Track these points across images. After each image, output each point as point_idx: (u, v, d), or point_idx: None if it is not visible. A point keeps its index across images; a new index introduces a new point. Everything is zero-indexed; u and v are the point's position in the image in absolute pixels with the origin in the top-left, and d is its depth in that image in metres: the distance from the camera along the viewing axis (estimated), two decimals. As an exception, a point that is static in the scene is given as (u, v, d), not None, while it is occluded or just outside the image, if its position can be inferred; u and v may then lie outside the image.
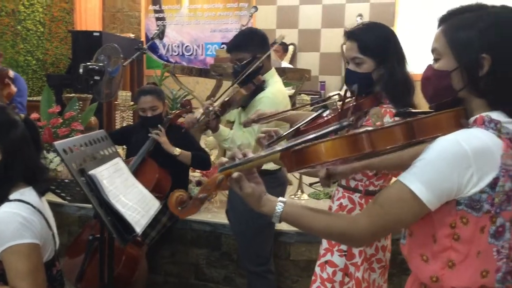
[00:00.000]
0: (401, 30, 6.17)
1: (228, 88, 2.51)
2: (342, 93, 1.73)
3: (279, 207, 1.14)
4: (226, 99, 2.36)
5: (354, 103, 1.69)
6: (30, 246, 1.44)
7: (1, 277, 1.45)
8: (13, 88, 3.05)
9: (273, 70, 2.52)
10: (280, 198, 1.16)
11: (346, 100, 1.72)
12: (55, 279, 1.62)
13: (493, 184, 1.01)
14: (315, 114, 1.68)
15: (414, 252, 1.13)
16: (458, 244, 1.05)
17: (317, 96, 6.26)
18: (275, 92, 2.42)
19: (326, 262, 1.80)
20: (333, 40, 6.66)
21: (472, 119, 1.08)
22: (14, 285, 1.41)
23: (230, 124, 2.90)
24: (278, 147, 1.11)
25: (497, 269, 1.06)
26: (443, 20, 1.12)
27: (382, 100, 1.69)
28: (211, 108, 2.26)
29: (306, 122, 1.63)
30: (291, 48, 6.86)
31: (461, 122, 1.06)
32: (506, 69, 1.05)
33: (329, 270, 1.78)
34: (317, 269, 1.84)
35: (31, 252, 1.44)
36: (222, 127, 2.38)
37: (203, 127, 2.40)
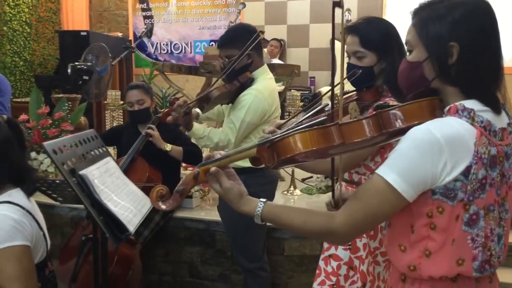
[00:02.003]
0: (389, 24, 6.21)
1: (213, 84, 2.50)
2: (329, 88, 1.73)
3: (259, 206, 1.15)
4: (204, 94, 2.34)
5: (356, 97, 1.70)
6: (21, 249, 1.43)
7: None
8: None
9: (264, 67, 2.50)
10: (260, 199, 1.17)
11: (349, 95, 1.73)
12: (48, 280, 1.61)
13: (466, 172, 1.02)
14: (317, 108, 1.67)
15: (393, 242, 1.14)
16: (435, 233, 1.06)
17: (307, 92, 6.27)
18: (260, 89, 2.39)
19: (330, 256, 1.80)
20: (322, 35, 6.66)
21: (446, 108, 1.09)
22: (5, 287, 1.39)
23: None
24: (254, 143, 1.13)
25: (474, 258, 1.07)
26: (415, 13, 1.14)
27: (384, 93, 1.70)
28: (182, 105, 2.21)
29: (308, 116, 1.63)
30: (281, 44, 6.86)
31: (435, 113, 1.07)
32: (474, 56, 1.06)
33: (334, 263, 1.78)
34: (321, 263, 1.83)
35: (22, 255, 1.43)
36: (196, 125, 2.34)
37: (175, 123, 2.34)
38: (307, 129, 1.05)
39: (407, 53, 1.17)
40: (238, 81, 2.37)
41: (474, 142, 1.02)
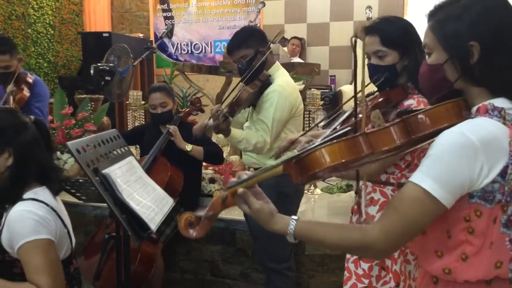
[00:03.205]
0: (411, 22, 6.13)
1: (234, 88, 2.48)
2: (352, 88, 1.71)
3: (292, 224, 1.12)
4: (234, 99, 2.32)
5: (380, 99, 1.68)
6: (46, 242, 1.46)
7: (21, 276, 1.47)
8: (25, 93, 3.05)
9: (277, 64, 2.49)
10: (293, 216, 1.14)
11: (372, 96, 1.71)
12: (73, 277, 1.64)
13: (503, 173, 0.99)
14: (347, 113, 1.65)
15: (427, 249, 1.10)
16: (473, 237, 1.03)
17: (327, 91, 6.23)
18: (283, 85, 2.38)
19: (360, 258, 1.77)
20: (342, 33, 6.61)
21: (474, 108, 1.06)
22: (33, 280, 1.43)
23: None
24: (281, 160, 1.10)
25: (511, 259, 1.04)
26: (431, 15, 1.12)
27: (409, 90, 1.68)
28: (219, 112, 2.23)
29: (340, 123, 1.61)
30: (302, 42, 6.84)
31: (462, 114, 1.05)
32: (496, 53, 1.03)
33: (364, 265, 1.76)
34: (351, 266, 1.80)
35: (47, 248, 1.46)
36: (234, 129, 2.35)
37: (215, 131, 2.37)
38: (333, 141, 1.01)
39: (427, 56, 1.14)
40: (259, 80, 2.36)
41: (508, 142, 0.99)
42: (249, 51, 2.36)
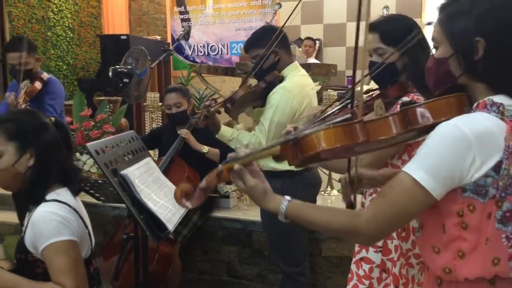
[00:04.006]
0: (428, 21, 6.06)
1: (240, 85, 2.44)
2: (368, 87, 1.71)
3: (284, 204, 1.14)
4: (228, 99, 2.28)
5: (376, 95, 1.68)
6: (69, 243, 1.48)
7: (44, 275, 1.50)
8: (37, 86, 3.14)
9: (294, 64, 2.42)
10: (286, 196, 1.16)
11: (372, 92, 1.70)
12: (92, 277, 1.66)
13: (497, 168, 0.99)
14: (339, 106, 1.67)
15: (426, 244, 1.11)
16: (467, 232, 1.03)
17: (344, 91, 6.20)
18: (288, 87, 2.30)
19: (362, 259, 1.77)
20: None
21: (475, 104, 1.06)
22: (57, 280, 1.45)
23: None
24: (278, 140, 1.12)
25: (510, 257, 1.03)
26: (441, 10, 1.12)
27: (408, 88, 1.67)
28: (207, 105, 2.21)
29: (329, 114, 1.62)
30: (316, 43, 6.82)
31: (464, 109, 1.05)
32: (501, 51, 1.03)
33: (365, 267, 1.75)
34: (353, 267, 1.81)
35: (70, 249, 1.48)
36: (224, 127, 2.32)
37: (199, 125, 2.33)
38: (330, 126, 1.04)
39: (433, 50, 1.15)
40: (264, 81, 2.32)
41: (504, 137, 0.99)
42: (261, 51, 2.31)
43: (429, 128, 1.04)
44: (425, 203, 1.02)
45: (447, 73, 1.09)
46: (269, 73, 2.33)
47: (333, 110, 1.65)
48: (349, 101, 1.60)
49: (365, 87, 1.83)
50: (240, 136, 2.31)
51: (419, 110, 1.05)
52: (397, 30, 1.66)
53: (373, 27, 1.69)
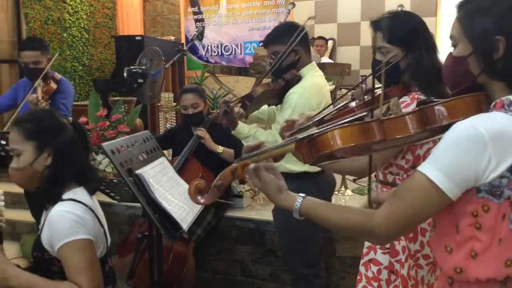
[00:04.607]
0: (444, 20, 5.99)
1: (259, 83, 2.41)
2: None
3: (298, 201, 1.14)
4: (246, 95, 2.28)
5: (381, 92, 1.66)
6: (85, 242, 1.50)
7: (60, 273, 1.52)
8: (52, 86, 3.21)
9: (312, 64, 2.41)
10: (300, 194, 1.16)
11: (375, 91, 1.70)
12: (108, 275, 1.68)
13: None
14: (341, 104, 1.66)
15: (439, 243, 1.10)
16: (481, 233, 1.01)
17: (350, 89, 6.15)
18: (307, 87, 2.30)
19: (370, 260, 1.76)
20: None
21: (492, 103, 1.05)
22: (72, 279, 1.47)
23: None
24: (294, 137, 1.11)
25: None
26: (460, 7, 1.11)
27: (411, 88, 1.65)
28: (223, 105, 2.21)
29: (331, 112, 1.61)
30: (330, 42, 6.79)
31: (481, 108, 1.03)
32: None
33: (374, 268, 1.74)
34: (362, 268, 1.79)
35: (86, 247, 1.50)
36: (242, 124, 2.32)
37: (217, 120, 2.33)
38: (347, 124, 1.03)
39: (451, 48, 1.13)
40: (283, 79, 2.31)
41: None
42: (281, 47, 2.29)
43: (444, 128, 1.03)
44: (440, 204, 1.01)
45: (466, 72, 1.08)
46: (287, 72, 2.31)
47: (334, 109, 1.64)
48: (346, 102, 1.60)
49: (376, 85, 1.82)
50: (258, 133, 2.32)
51: (437, 109, 1.03)
52: (400, 29, 1.65)
53: (377, 25, 1.68)
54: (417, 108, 1.06)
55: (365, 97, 1.62)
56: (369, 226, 1.06)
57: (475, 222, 1.02)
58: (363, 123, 1.02)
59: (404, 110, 1.12)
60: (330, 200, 2.56)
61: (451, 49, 1.14)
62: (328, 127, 1.05)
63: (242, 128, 2.32)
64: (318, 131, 1.05)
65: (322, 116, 1.56)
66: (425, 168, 1.01)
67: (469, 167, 0.98)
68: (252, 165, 1.15)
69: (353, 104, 1.66)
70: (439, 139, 1.04)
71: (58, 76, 3.33)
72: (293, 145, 1.10)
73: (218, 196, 1.24)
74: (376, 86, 1.77)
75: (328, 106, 2.05)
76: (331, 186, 2.54)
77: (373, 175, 1.43)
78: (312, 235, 2.47)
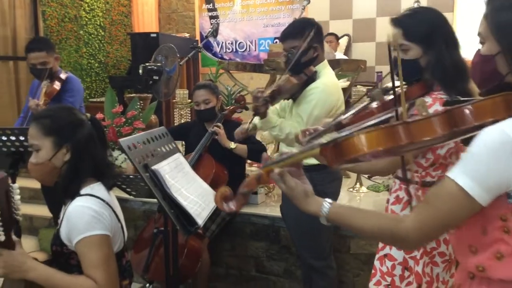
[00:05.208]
0: (460, 16, 5.91)
1: (281, 77, 2.45)
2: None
3: (325, 207, 1.13)
4: (276, 87, 2.32)
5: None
6: (102, 237, 1.52)
7: (77, 267, 1.55)
8: (55, 87, 3.23)
9: (325, 62, 2.48)
10: (327, 199, 1.15)
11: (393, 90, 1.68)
12: (125, 269, 1.70)
13: None
14: (359, 106, 1.64)
15: (462, 242, 1.09)
16: (509, 237, 1.00)
17: (371, 87, 6.12)
18: (327, 83, 2.37)
19: (385, 255, 1.76)
20: (389, 29, 6.45)
21: None
22: (88, 273, 1.50)
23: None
24: (318, 142, 1.10)
25: None
26: (488, 4, 1.08)
27: (433, 87, 1.62)
28: (259, 95, 2.24)
29: (349, 115, 1.60)
30: (345, 39, 6.75)
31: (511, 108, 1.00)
32: None
33: (388, 263, 1.74)
34: (377, 263, 1.80)
35: (102, 243, 1.52)
36: (270, 114, 2.35)
37: (253, 112, 2.36)
38: (373, 128, 1.01)
39: (479, 45, 1.11)
40: (305, 74, 2.34)
41: None
42: (299, 43, 2.31)
43: (474, 129, 1.01)
44: (470, 210, 0.99)
45: (494, 71, 1.06)
46: (306, 68, 2.34)
47: (357, 108, 1.62)
48: (363, 104, 1.58)
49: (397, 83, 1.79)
50: (283, 124, 2.36)
51: (464, 110, 1.01)
52: (419, 25, 1.62)
53: (396, 22, 1.66)
54: (444, 109, 1.03)
55: (385, 97, 1.60)
56: (400, 233, 1.05)
57: (504, 226, 1.00)
58: (389, 127, 1.00)
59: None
60: (339, 190, 2.58)
61: (479, 46, 1.11)
62: (353, 130, 1.04)
63: (272, 118, 2.36)
64: (343, 135, 1.04)
65: (340, 119, 1.55)
66: (454, 174, 0.99)
67: (500, 173, 0.96)
68: (277, 171, 1.15)
69: (373, 105, 1.64)
70: (461, 140, 1.02)
71: (65, 74, 3.35)
72: (317, 150, 1.09)
73: (245, 203, 1.24)
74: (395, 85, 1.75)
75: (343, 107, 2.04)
76: (340, 177, 2.61)
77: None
78: (324, 227, 2.48)
